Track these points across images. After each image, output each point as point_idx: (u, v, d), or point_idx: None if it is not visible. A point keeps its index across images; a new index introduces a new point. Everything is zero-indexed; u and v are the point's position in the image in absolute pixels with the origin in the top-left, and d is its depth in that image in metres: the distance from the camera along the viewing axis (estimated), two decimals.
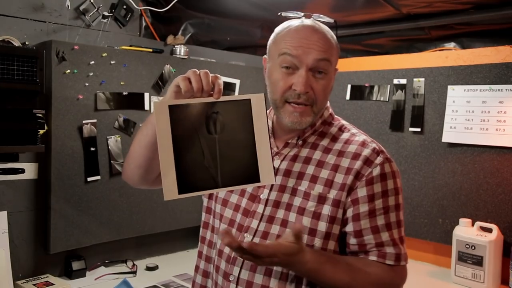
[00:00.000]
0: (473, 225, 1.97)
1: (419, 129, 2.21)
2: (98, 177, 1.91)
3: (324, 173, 1.06)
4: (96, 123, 1.90)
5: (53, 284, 1.73)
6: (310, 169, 1.07)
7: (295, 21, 1.15)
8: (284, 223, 1.05)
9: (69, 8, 1.89)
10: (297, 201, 1.05)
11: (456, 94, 2.09)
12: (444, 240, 2.10)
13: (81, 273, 1.88)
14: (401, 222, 1.07)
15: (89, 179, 1.89)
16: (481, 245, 1.88)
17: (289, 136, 1.13)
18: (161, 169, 0.90)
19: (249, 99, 0.95)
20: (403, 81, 2.27)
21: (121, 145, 1.98)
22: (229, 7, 2.26)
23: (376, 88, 2.38)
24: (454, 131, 2.09)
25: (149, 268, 2.05)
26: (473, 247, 1.91)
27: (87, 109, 1.87)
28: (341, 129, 1.14)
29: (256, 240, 1.05)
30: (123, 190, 1.99)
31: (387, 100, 2.33)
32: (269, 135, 0.95)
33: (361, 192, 1.03)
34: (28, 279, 1.76)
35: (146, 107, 2.06)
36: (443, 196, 2.13)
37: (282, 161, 1.10)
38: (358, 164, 1.04)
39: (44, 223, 1.81)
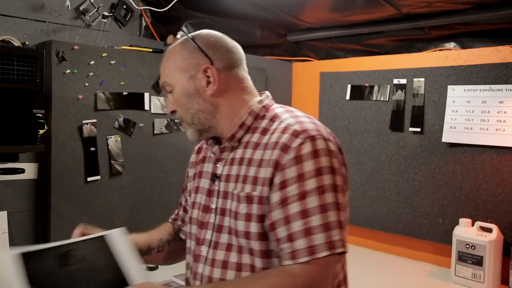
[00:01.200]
0: (473, 225, 1.97)
1: (419, 129, 2.21)
2: (98, 177, 1.91)
3: (252, 171, 1.03)
4: (96, 123, 1.90)
5: None
6: (242, 170, 1.06)
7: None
8: (231, 231, 1.04)
9: (69, 8, 1.89)
10: (233, 205, 1.04)
11: (456, 94, 2.09)
12: (444, 240, 2.10)
13: None
14: (329, 205, 0.94)
15: (89, 179, 1.88)
16: (481, 245, 1.88)
17: (222, 141, 1.14)
18: None
19: (102, 236, 1.08)
20: (403, 81, 2.27)
21: (121, 145, 1.98)
22: (229, 7, 2.26)
23: (376, 88, 2.38)
24: (454, 131, 2.09)
25: (149, 268, 2.05)
26: (473, 247, 1.91)
27: (87, 109, 1.87)
28: (272, 119, 1.08)
29: (210, 251, 1.07)
30: (123, 190, 1.99)
31: (387, 100, 2.34)
32: (132, 253, 1.06)
33: (276, 181, 0.98)
34: None
35: (146, 107, 2.06)
36: (443, 196, 2.13)
37: (223, 166, 1.11)
38: (275, 153, 0.99)
39: (44, 223, 1.81)
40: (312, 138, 0.98)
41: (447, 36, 2.25)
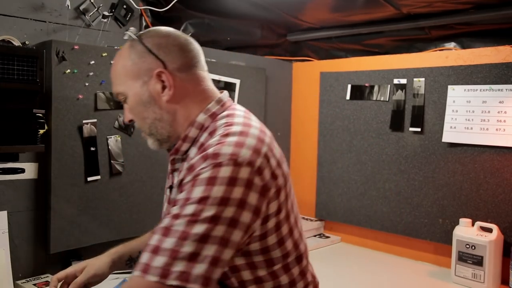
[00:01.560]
0: (473, 225, 1.97)
1: (419, 129, 2.21)
2: (98, 177, 1.91)
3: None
4: (96, 123, 1.90)
5: None
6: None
7: None
8: None
9: (69, 8, 1.89)
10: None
11: (456, 94, 2.09)
12: (444, 240, 2.10)
13: None
14: (189, 235, 0.84)
15: (89, 179, 1.88)
16: (481, 245, 1.88)
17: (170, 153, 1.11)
18: None
19: None
20: (403, 81, 2.27)
21: (121, 145, 1.98)
22: (229, 7, 2.26)
23: (376, 88, 2.38)
24: (454, 131, 2.09)
25: None
26: (473, 247, 1.91)
27: (87, 109, 1.87)
28: (211, 134, 1.00)
29: None
30: (123, 190, 1.99)
31: (387, 100, 2.33)
32: None
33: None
34: (28, 279, 1.76)
35: None
36: (443, 196, 2.13)
37: (179, 176, 1.04)
38: (182, 174, 0.97)
39: (44, 223, 1.81)
40: (218, 165, 0.88)
41: (447, 36, 2.25)
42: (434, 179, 2.16)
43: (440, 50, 2.27)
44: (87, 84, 1.86)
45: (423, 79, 2.20)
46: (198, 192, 0.87)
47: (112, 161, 1.95)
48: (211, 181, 0.87)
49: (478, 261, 1.89)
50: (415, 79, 2.23)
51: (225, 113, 1.05)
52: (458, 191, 2.08)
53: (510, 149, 1.93)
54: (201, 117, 1.04)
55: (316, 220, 2.63)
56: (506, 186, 1.94)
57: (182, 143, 1.04)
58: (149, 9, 2.19)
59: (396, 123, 2.30)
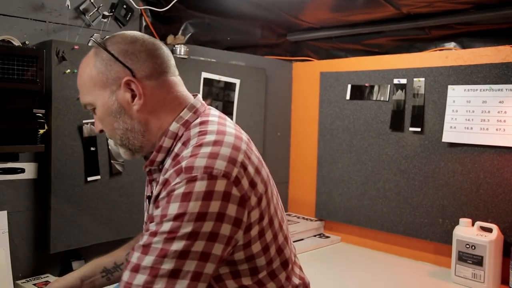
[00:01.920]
0: (473, 225, 1.97)
1: (419, 129, 2.21)
2: (98, 177, 1.91)
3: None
4: None
5: None
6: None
7: None
8: None
9: (69, 7, 1.89)
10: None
11: (456, 94, 2.09)
12: (444, 240, 2.10)
13: None
14: (172, 253, 0.83)
15: (89, 179, 1.88)
16: (481, 245, 1.88)
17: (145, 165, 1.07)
18: None
19: None
20: (403, 81, 2.27)
21: None
22: (229, 7, 2.26)
23: (376, 88, 2.38)
24: (454, 131, 2.09)
25: None
26: (473, 247, 1.91)
27: None
28: (185, 144, 0.97)
29: None
30: (123, 190, 1.99)
31: (387, 100, 2.33)
32: None
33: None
34: (28, 279, 1.76)
35: None
36: (443, 196, 2.13)
37: (156, 187, 0.99)
38: (157, 188, 0.93)
39: (44, 223, 1.81)
40: (193, 179, 0.86)
41: (447, 36, 2.25)
42: (434, 179, 2.16)
43: (440, 50, 2.27)
44: None
45: (423, 79, 2.20)
46: (174, 208, 0.85)
47: (112, 161, 1.95)
48: (187, 197, 0.85)
49: (478, 261, 1.89)
50: (415, 79, 2.23)
51: (198, 120, 1.01)
52: (458, 191, 2.08)
53: (510, 149, 1.93)
54: (174, 126, 1.00)
55: (316, 220, 2.63)
56: (506, 186, 1.94)
57: (157, 154, 1.01)
58: (149, 9, 2.19)
59: (396, 123, 2.30)
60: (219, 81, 2.35)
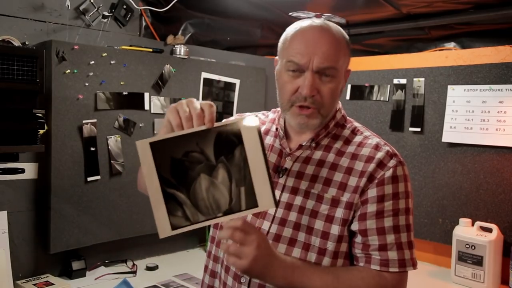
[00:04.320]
0: (473, 225, 1.97)
1: (419, 129, 2.21)
2: (98, 177, 1.91)
3: (338, 176, 1.05)
4: (96, 123, 1.90)
5: (53, 284, 1.73)
6: (324, 172, 1.06)
7: (305, 22, 1.11)
8: (297, 226, 1.04)
9: (69, 8, 1.89)
10: (310, 204, 1.05)
11: (456, 94, 2.09)
12: (444, 240, 2.10)
13: (81, 273, 1.88)
14: (410, 226, 1.05)
15: (89, 179, 1.88)
16: (481, 245, 1.88)
17: (302, 138, 1.12)
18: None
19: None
20: (403, 81, 2.27)
21: (121, 145, 1.98)
22: (229, 7, 2.26)
23: (376, 88, 2.38)
24: (454, 131, 2.09)
25: (149, 268, 2.05)
26: (473, 247, 1.91)
27: (87, 109, 1.87)
28: (354, 132, 1.14)
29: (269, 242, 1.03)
30: (123, 190, 1.99)
31: (387, 100, 2.34)
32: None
33: (371, 193, 1.02)
34: (28, 279, 1.76)
35: (146, 107, 2.06)
36: (443, 196, 2.13)
37: (294, 162, 1.09)
38: (371, 167, 1.03)
39: (44, 223, 1.81)
40: (403, 164, 1.06)
41: (447, 36, 2.25)
42: (434, 179, 2.16)
43: (440, 50, 2.27)
44: (87, 84, 1.86)
45: (423, 79, 2.20)
46: (402, 187, 1.04)
47: (112, 161, 1.95)
48: (406, 178, 1.05)
49: (478, 261, 1.89)
50: (415, 79, 2.23)
51: (349, 118, 1.22)
52: (458, 191, 2.08)
53: (510, 149, 1.93)
54: (339, 115, 1.18)
55: None
56: (506, 186, 1.94)
57: (324, 131, 1.12)
58: (149, 9, 2.19)
59: (396, 123, 2.30)
60: (219, 81, 2.35)
